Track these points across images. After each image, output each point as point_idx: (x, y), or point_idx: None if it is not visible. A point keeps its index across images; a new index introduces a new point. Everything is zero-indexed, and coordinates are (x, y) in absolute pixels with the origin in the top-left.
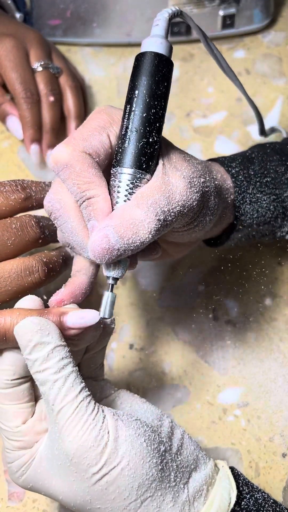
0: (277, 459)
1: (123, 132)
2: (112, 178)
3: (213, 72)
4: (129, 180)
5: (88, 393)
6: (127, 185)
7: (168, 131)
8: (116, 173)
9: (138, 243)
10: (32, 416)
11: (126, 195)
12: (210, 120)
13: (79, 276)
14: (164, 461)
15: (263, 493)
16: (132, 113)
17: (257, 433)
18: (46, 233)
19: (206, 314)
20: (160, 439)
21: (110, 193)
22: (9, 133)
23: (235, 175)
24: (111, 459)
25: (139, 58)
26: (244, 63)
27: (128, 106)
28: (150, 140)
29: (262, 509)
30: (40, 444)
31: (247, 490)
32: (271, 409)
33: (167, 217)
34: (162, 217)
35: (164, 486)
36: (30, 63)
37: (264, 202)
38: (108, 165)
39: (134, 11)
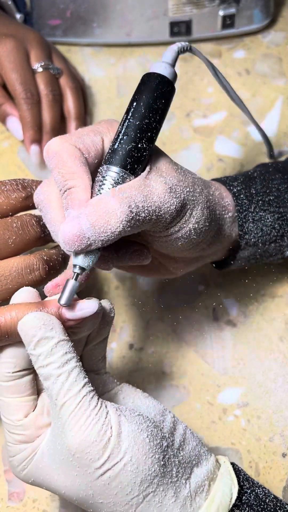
0: (277, 459)
1: (115, 136)
2: (98, 175)
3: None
4: (112, 178)
5: (91, 388)
6: (110, 183)
7: (168, 131)
8: (102, 170)
9: (108, 233)
10: (34, 410)
11: (107, 192)
12: (210, 120)
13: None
14: (167, 456)
15: (263, 489)
16: (127, 120)
17: (257, 433)
18: (46, 232)
19: (206, 314)
20: (162, 434)
21: (92, 188)
22: (10, 133)
23: (236, 194)
24: (114, 454)
25: (144, 77)
26: (244, 63)
27: (125, 115)
28: (139, 145)
29: (263, 503)
30: (42, 439)
31: (248, 485)
32: (271, 409)
33: (141, 212)
34: (135, 210)
35: (166, 482)
36: (31, 64)
37: (268, 221)
38: (97, 165)
39: (134, 11)
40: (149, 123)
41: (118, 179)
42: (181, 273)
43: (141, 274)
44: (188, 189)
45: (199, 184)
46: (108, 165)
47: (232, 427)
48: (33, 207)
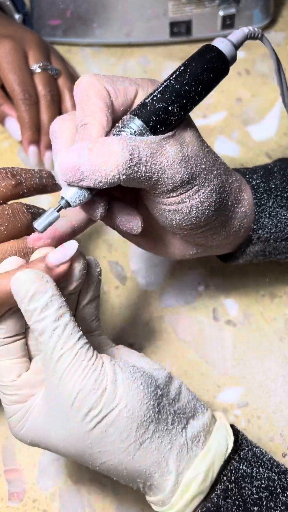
0: (277, 459)
1: (151, 92)
2: (119, 121)
3: None
4: (132, 129)
5: (86, 340)
6: (128, 132)
7: None
8: (125, 118)
9: (103, 174)
10: (26, 371)
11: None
12: (210, 120)
13: (62, 219)
14: (161, 404)
15: (261, 449)
16: (168, 81)
17: (257, 433)
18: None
19: (206, 314)
20: (157, 384)
21: (110, 131)
22: (9, 133)
23: (255, 187)
24: (109, 400)
25: (202, 48)
26: (244, 63)
27: (169, 76)
28: (170, 108)
29: (260, 461)
30: (36, 397)
31: (246, 444)
32: (271, 409)
33: (142, 165)
34: (136, 160)
35: (161, 428)
36: (29, 64)
37: (283, 217)
38: (122, 113)
39: (134, 11)
40: (188, 91)
41: (136, 132)
42: (180, 257)
43: (139, 246)
44: (203, 166)
45: (219, 168)
46: (132, 116)
47: None
48: (23, 195)
